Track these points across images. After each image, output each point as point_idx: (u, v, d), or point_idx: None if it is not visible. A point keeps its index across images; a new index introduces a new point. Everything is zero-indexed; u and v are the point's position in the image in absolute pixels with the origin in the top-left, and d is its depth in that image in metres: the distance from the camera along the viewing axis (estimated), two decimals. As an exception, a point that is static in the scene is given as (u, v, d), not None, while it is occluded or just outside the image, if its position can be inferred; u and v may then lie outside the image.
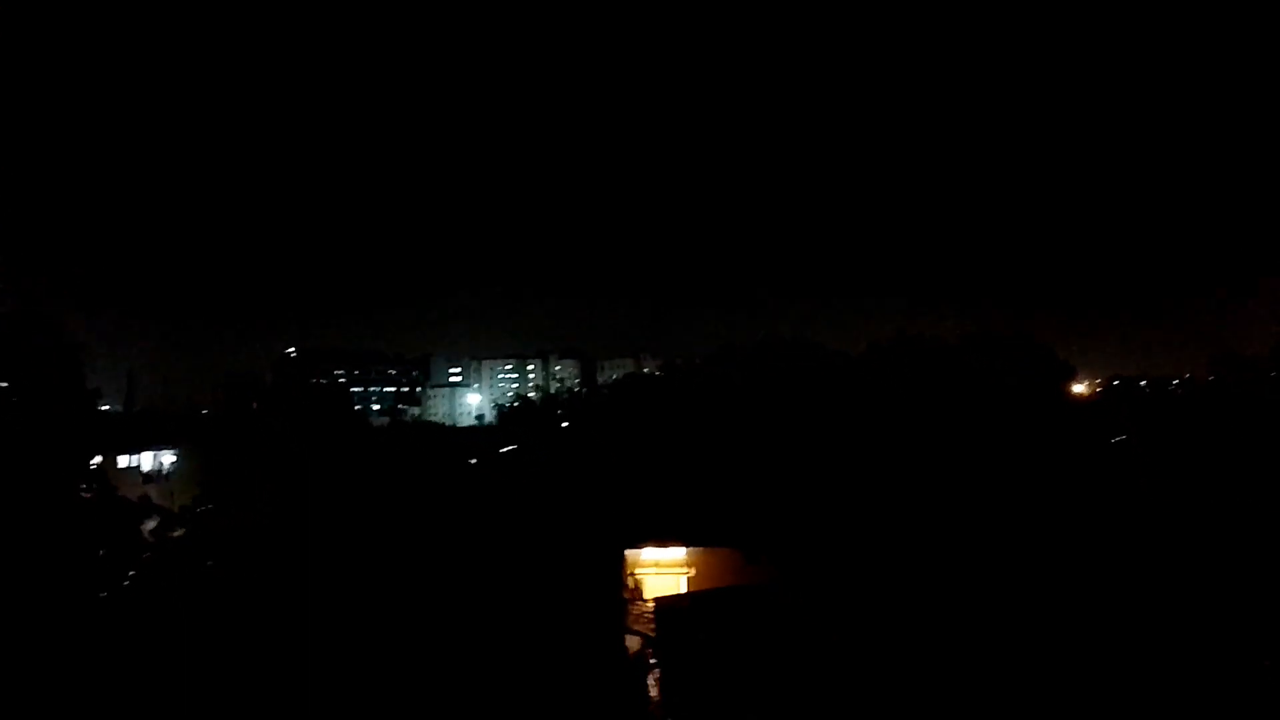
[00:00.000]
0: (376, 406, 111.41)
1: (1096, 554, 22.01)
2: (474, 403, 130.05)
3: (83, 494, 29.02)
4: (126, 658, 20.02)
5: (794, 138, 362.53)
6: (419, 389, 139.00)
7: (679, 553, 28.95)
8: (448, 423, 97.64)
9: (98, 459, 33.16)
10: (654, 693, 22.34)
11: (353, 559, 23.61)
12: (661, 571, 28.87)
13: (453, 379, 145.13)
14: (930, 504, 24.37)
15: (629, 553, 27.63)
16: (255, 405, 55.03)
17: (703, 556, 28.25)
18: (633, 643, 24.17)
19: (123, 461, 40.97)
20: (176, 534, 29.26)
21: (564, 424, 41.47)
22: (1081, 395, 48.83)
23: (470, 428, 78.37)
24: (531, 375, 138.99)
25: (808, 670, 18.88)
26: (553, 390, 66.27)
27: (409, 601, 21.08)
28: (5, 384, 30.56)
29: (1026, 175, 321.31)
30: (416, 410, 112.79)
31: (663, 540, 28.61)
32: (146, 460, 44.68)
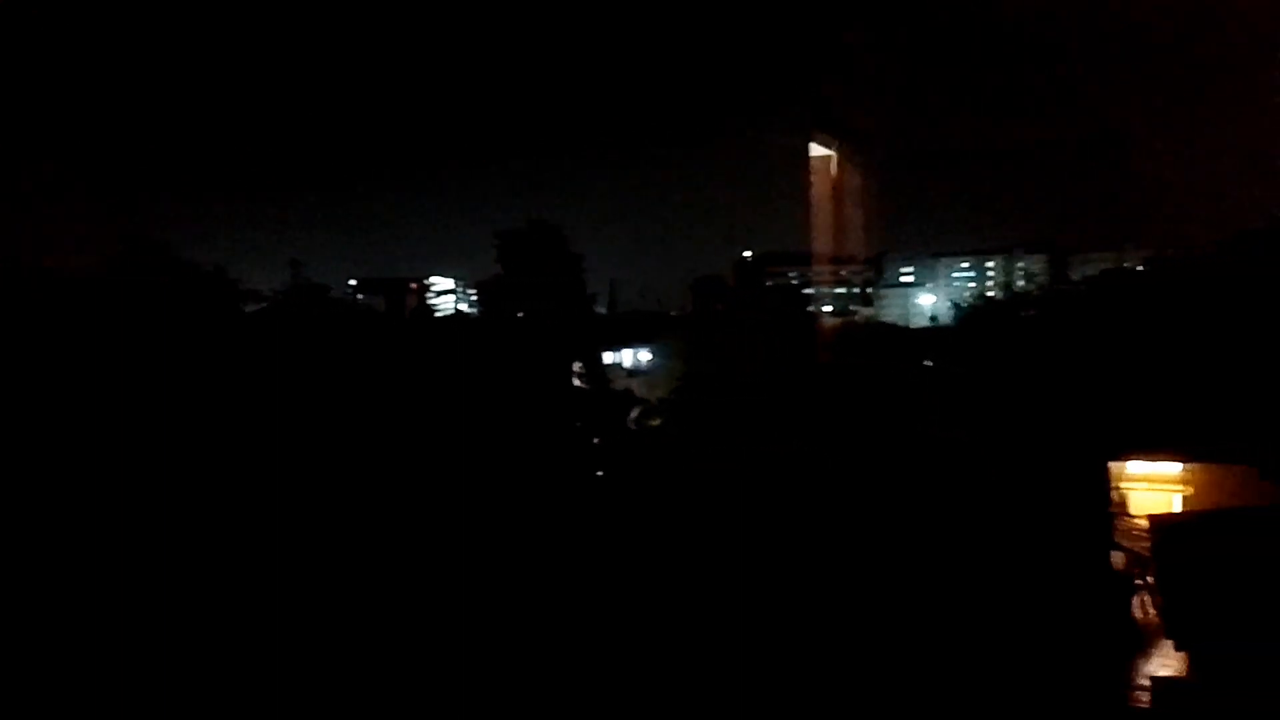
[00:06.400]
0: (828, 308, 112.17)
1: None
2: (927, 303, 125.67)
3: (580, 384, 33.17)
4: (614, 528, 22.56)
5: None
6: (869, 289, 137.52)
7: (1174, 468, 26.25)
8: (900, 324, 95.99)
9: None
10: (1138, 614, 20.73)
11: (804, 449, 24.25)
12: (1152, 487, 26.45)
13: (904, 279, 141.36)
14: None
15: (1113, 465, 25.58)
16: (719, 307, 58.33)
17: (1203, 472, 25.34)
18: (1117, 559, 22.62)
19: (608, 358, 45.86)
20: (655, 423, 32.45)
21: (1032, 324, 38.39)
22: None
23: (923, 329, 76.25)
24: (991, 273, 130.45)
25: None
26: (1018, 289, 61.45)
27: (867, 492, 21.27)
28: (524, 284, 35.87)
29: None
30: (869, 310, 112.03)
31: (1153, 453, 25.99)
32: (627, 358, 49.59)
